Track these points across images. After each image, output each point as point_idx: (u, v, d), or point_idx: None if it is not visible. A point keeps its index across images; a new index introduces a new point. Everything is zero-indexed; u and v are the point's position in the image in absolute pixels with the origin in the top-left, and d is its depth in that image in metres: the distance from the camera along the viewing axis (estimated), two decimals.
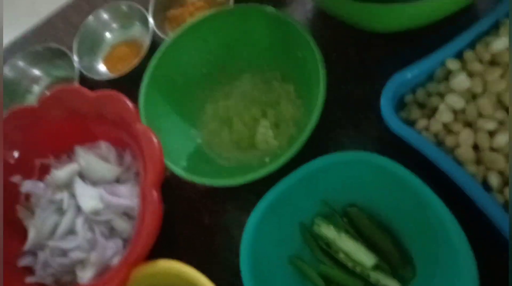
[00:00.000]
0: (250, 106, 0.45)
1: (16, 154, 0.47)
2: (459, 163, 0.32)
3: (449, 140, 0.33)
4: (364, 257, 0.37)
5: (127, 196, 0.43)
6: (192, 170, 0.41)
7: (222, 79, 0.49)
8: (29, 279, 0.43)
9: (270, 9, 0.44)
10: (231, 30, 0.47)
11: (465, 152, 0.32)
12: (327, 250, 0.39)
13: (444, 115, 0.33)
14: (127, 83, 0.53)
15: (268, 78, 0.48)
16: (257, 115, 0.45)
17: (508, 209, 0.30)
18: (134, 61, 0.53)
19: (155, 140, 0.39)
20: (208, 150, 0.46)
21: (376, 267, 0.37)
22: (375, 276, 0.37)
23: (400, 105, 0.38)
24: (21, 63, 0.58)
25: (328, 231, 0.39)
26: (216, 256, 0.43)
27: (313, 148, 0.39)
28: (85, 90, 0.44)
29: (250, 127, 0.45)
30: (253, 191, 0.44)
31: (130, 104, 0.41)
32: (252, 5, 0.46)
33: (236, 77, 0.49)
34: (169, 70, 0.46)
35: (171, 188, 0.47)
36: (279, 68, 0.47)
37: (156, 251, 0.37)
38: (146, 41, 0.54)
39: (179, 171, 0.41)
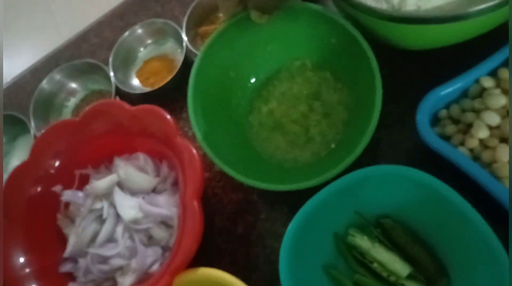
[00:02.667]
0: (295, 104, 0.46)
1: (57, 164, 0.49)
2: (496, 178, 0.33)
3: (486, 156, 0.34)
4: (398, 266, 0.38)
5: (164, 205, 0.44)
6: (254, 174, 0.41)
7: (256, 85, 0.49)
8: (71, 285, 0.44)
9: (307, 5, 0.44)
10: (256, 32, 0.46)
11: (502, 167, 0.33)
12: (362, 260, 0.40)
13: (480, 132, 0.34)
14: (161, 97, 0.55)
15: (299, 70, 0.48)
16: (305, 111, 0.45)
17: None
18: (167, 76, 0.55)
19: (195, 153, 0.40)
20: (265, 155, 0.46)
21: (410, 277, 0.38)
22: (410, 285, 0.38)
23: (434, 120, 0.39)
24: (58, 77, 0.60)
25: (362, 242, 0.40)
26: (252, 265, 0.44)
27: None
28: (125, 104, 0.46)
29: (302, 124, 0.45)
30: (286, 202, 0.46)
31: (169, 118, 0.43)
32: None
33: (269, 78, 0.49)
34: (206, 81, 0.46)
35: (207, 199, 0.49)
36: (308, 56, 0.48)
37: (194, 258, 0.39)
38: (179, 56, 0.56)
39: (243, 178, 0.40)
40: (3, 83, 0.65)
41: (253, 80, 0.50)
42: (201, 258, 0.40)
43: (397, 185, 0.37)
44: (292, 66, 0.49)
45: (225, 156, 0.42)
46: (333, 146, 0.44)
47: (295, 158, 0.45)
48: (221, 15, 0.59)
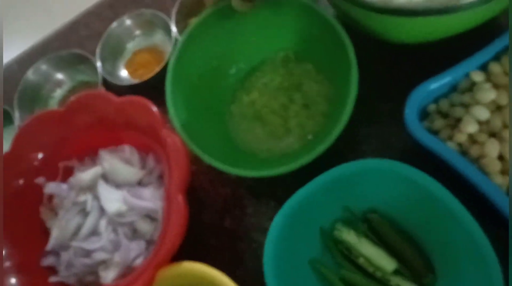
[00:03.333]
0: (276, 96, 0.46)
1: (40, 156, 0.48)
2: (485, 173, 0.33)
3: (474, 151, 0.34)
4: (384, 261, 0.38)
5: (149, 198, 0.43)
6: (229, 162, 0.40)
7: (239, 75, 0.49)
8: (52, 279, 0.44)
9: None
10: (240, 19, 0.45)
11: (491, 163, 0.33)
12: (348, 255, 0.39)
13: (469, 126, 0.34)
14: (149, 89, 0.54)
15: (283, 61, 0.48)
16: (285, 102, 0.45)
17: None
18: (156, 68, 0.54)
19: (181, 146, 0.40)
20: (244, 145, 0.46)
21: (396, 272, 0.37)
22: (395, 281, 0.37)
23: (423, 115, 0.39)
24: (44, 67, 0.59)
25: (348, 236, 0.39)
26: (238, 259, 0.44)
27: (335, 157, 0.39)
28: (111, 95, 0.45)
29: (281, 115, 0.45)
30: (273, 196, 0.45)
31: (155, 109, 0.42)
32: None
33: (253, 69, 0.49)
34: (187, 70, 0.45)
35: (194, 192, 0.48)
36: (291, 48, 0.47)
37: (180, 253, 0.38)
38: (168, 48, 0.55)
39: (217, 163, 0.40)
40: None
41: (236, 70, 0.49)
42: (187, 253, 0.39)
43: (384, 180, 0.37)
44: (275, 58, 0.48)
45: (203, 143, 0.42)
46: (310, 137, 0.44)
47: (269, 148, 0.45)
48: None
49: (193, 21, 0.56)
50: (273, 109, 0.45)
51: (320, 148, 0.37)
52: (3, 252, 0.44)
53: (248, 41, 0.48)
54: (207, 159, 0.40)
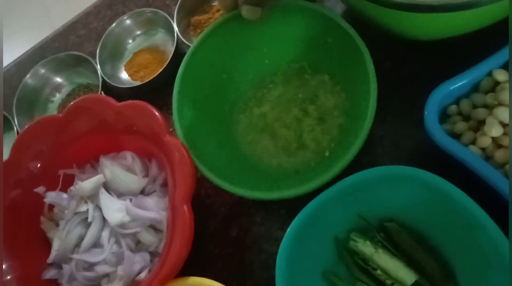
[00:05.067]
0: (289, 108, 0.43)
1: (39, 164, 0.46)
2: (510, 179, 0.31)
3: (499, 156, 0.32)
4: (403, 274, 0.36)
5: (153, 208, 0.42)
6: (232, 177, 0.38)
7: (250, 85, 0.47)
8: None
9: (301, 3, 0.42)
10: (251, 30, 0.43)
11: None
12: (364, 266, 0.37)
13: (493, 130, 0.32)
14: (151, 90, 0.52)
15: (297, 72, 0.45)
16: (299, 115, 0.43)
17: None
18: (158, 69, 0.52)
19: (185, 154, 0.38)
20: (251, 157, 0.44)
21: (416, 284, 0.35)
22: None
23: (442, 117, 0.36)
24: (43, 71, 0.58)
25: (365, 247, 0.37)
26: (247, 270, 0.42)
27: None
28: (111, 100, 0.43)
29: (295, 129, 0.43)
30: (283, 204, 0.43)
31: (158, 114, 0.40)
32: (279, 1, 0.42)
33: (265, 81, 0.46)
34: (196, 75, 0.44)
35: (199, 200, 0.46)
36: (306, 59, 0.45)
37: (185, 265, 0.36)
38: (170, 48, 0.53)
39: (219, 181, 0.38)
40: None
41: (247, 81, 0.47)
42: (192, 264, 0.37)
43: (401, 187, 0.35)
44: (289, 69, 0.46)
45: (208, 158, 0.40)
46: (327, 153, 0.41)
47: (280, 163, 0.43)
48: (215, 4, 0.56)
49: (202, 22, 0.54)
50: (286, 123, 0.43)
51: (338, 166, 0.34)
52: (4, 265, 0.42)
53: (260, 53, 0.45)
54: (217, 181, 0.38)
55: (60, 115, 0.45)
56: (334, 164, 0.35)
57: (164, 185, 0.44)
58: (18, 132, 0.54)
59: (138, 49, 0.57)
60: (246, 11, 0.38)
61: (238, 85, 0.46)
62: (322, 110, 0.43)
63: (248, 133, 0.45)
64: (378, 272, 0.37)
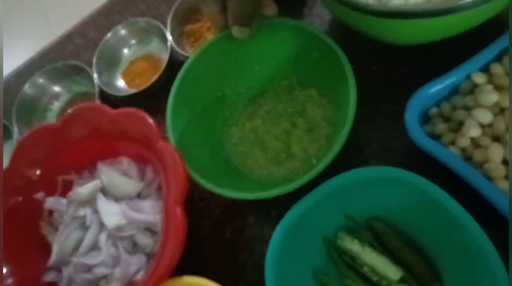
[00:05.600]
0: (279, 122, 0.45)
1: (38, 171, 0.47)
2: (488, 178, 0.32)
3: (478, 155, 0.33)
4: (389, 270, 0.37)
5: (149, 211, 0.43)
6: (223, 184, 0.40)
7: (242, 102, 0.48)
8: None
9: (286, 21, 0.43)
10: (244, 48, 0.45)
11: (495, 167, 0.32)
12: (352, 264, 0.39)
13: (472, 130, 0.33)
14: (147, 98, 0.54)
15: (287, 88, 0.47)
16: (288, 128, 0.44)
17: None
18: (153, 77, 0.54)
19: (178, 159, 0.39)
20: (242, 168, 0.45)
21: (402, 281, 0.36)
22: None
23: (425, 119, 0.38)
24: (41, 80, 0.59)
25: (352, 245, 0.38)
26: (240, 271, 0.43)
27: (337, 163, 0.38)
28: (106, 108, 0.44)
29: (284, 140, 0.44)
30: (275, 205, 0.45)
31: (151, 121, 0.42)
32: (266, 20, 0.43)
33: (256, 97, 0.48)
34: (190, 92, 0.45)
35: (193, 202, 0.47)
36: (294, 75, 0.47)
37: (179, 266, 0.37)
38: (164, 56, 0.54)
39: (209, 185, 0.39)
40: None
41: (238, 98, 0.48)
42: (187, 265, 0.38)
43: (387, 187, 0.36)
44: (279, 86, 0.47)
45: (200, 165, 0.41)
46: (314, 161, 0.43)
47: (270, 173, 0.44)
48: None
49: (195, 30, 0.56)
50: (276, 135, 0.44)
51: (321, 165, 0.36)
52: (4, 269, 0.43)
53: (252, 71, 0.47)
54: (206, 185, 0.39)
55: (58, 123, 0.46)
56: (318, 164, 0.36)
57: (160, 188, 0.45)
58: (17, 141, 0.55)
59: (134, 58, 0.59)
60: (235, 31, 0.41)
61: (231, 102, 0.48)
62: (310, 122, 0.44)
63: (239, 145, 0.46)
64: (365, 269, 0.38)
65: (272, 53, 0.46)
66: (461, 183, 0.33)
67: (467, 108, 0.35)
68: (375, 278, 0.37)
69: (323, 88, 0.45)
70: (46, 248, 0.46)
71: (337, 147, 0.36)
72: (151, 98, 0.54)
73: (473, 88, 0.35)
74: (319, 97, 0.45)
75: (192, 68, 0.44)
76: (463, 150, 0.34)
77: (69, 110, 0.45)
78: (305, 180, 0.36)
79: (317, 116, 0.44)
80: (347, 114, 0.36)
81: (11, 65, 0.68)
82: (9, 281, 0.43)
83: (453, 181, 0.33)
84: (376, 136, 0.44)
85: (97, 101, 0.54)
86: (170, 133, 0.42)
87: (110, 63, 0.58)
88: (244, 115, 0.48)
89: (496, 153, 0.32)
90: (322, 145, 0.43)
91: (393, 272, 0.36)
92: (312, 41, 0.42)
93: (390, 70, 0.46)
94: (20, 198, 0.46)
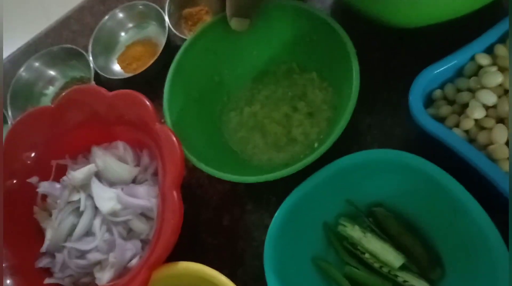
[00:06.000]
0: (279, 106, 0.44)
1: (33, 154, 0.46)
2: (493, 160, 0.31)
3: (482, 137, 0.32)
4: (391, 257, 0.36)
5: (144, 196, 0.42)
6: (223, 167, 0.39)
7: (241, 87, 0.47)
8: (47, 280, 0.42)
9: (286, 2, 0.42)
10: (240, 33, 0.42)
11: (499, 149, 0.31)
12: (353, 251, 0.38)
13: (476, 112, 0.32)
14: (143, 83, 0.53)
15: (286, 73, 0.46)
16: (288, 112, 0.43)
17: None
18: (150, 61, 0.53)
19: (175, 140, 0.38)
20: (242, 154, 0.44)
21: (403, 268, 0.36)
22: (402, 276, 0.36)
23: (428, 102, 0.37)
24: (36, 64, 0.58)
25: (353, 232, 0.38)
26: (238, 258, 0.42)
27: (338, 149, 0.37)
28: (102, 90, 0.43)
29: (285, 124, 0.43)
30: (274, 192, 0.44)
31: (148, 103, 0.41)
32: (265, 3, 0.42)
33: (255, 82, 0.47)
34: (187, 76, 0.44)
35: (191, 189, 0.46)
36: (294, 59, 0.46)
37: (177, 254, 0.36)
38: (162, 40, 0.53)
39: (208, 168, 0.38)
40: None
41: (237, 82, 0.47)
42: (185, 253, 0.38)
43: (388, 171, 0.35)
44: (278, 70, 0.46)
45: (197, 148, 0.40)
46: (316, 145, 0.42)
47: (270, 158, 0.43)
48: None
49: (194, 14, 0.55)
50: (276, 119, 0.44)
51: (321, 149, 0.35)
52: None
53: (250, 55, 0.46)
54: (204, 168, 0.38)
55: (52, 106, 0.45)
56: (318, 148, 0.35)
57: (155, 174, 0.44)
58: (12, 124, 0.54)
59: (130, 42, 0.58)
60: (235, 23, 0.38)
61: (229, 87, 0.47)
62: (311, 105, 0.43)
63: (238, 131, 0.45)
64: (367, 255, 0.37)
65: (271, 36, 0.44)
66: (465, 168, 0.32)
67: (471, 91, 0.34)
68: (376, 265, 0.37)
69: (324, 71, 0.44)
70: (39, 233, 0.45)
71: (338, 130, 0.35)
72: (148, 83, 0.53)
73: (477, 70, 0.35)
74: (319, 80, 0.44)
75: (189, 52, 0.43)
76: (467, 132, 0.33)
77: (64, 93, 0.44)
78: (305, 163, 0.35)
79: (318, 100, 0.43)
80: (350, 95, 0.35)
81: (6, 50, 0.67)
82: (3, 265, 0.42)
83: (456, 166, 0.32)
84: (377, 122, 0.44)
85: (93, 84, 0.52)
86: (167, 117, 0.41)
87: (107, 47, 0.57)
88: (243, 100, 0.47)
89: (500, 134, 0.31)
90: (323, 128, 0.42)
91: (395, 258, 0.36)
92: (312, 23, 0.41)
93: (390, 57, 0.46)
94: (14, 182, 0.45)
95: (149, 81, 0.53)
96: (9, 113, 0.55)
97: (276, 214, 0.36)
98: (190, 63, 0.43)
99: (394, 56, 0.45)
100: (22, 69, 0.57)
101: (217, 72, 0.46)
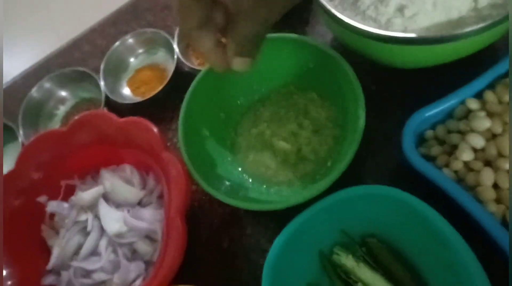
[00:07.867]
0: (284, 124, 0.46)
1: (42, 174, 0.48)
2: (479, 201, 0.33)
3: (470, 179, 0.34)
4: None
5: (149, 219, 0.44)
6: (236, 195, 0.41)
7: (244, 109, 0.50)
8: None
9: (294, 36, 0.44)
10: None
11: (486, 191, 0.33)
12: (346, 279, 0.40)
13: (464, 154, 0.34)
14: (151, 107, 0.55)
15: (286, 95, 0.48)
16: (294, 129, 0.45)
17: None
18: (157, 85, 0.55)
19: (181, 169, 0.40)
20: (255, 180, 0.46)
21: None
22: None
23: (421, 140, 0.39)
24: (48, 85, 0.60)
25: (347, 260, 0.39)
26: (237, 280, 0.44)
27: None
28: (112, 116, 0.45)
29: (293, 142, 0.45)
30: (274, 218, 0.46)
31: (156, 131, 0.43)
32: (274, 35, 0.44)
33: (257, 103, 0.49)
34: (195, 119, 0.45)
35: (193, 211, 0.48)
36: (293, 82, 0.48)
37: (179, 274, 0.38)
38: (170, 66, 0.56)
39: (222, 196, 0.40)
40: None
41: (241, 105, 0.50)
42: (184, 272, 0.39)
43: (381, 205, 0.37)
44: (279, 94, 0.49)
45: (210, 175, 0.42)
46: (329, 164, 0.43)
47: (285, 180, 0.45)
48: None
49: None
50: (283, 136, 0.45)
51: (330, 178, 0.37)
52: (4, 271, 0.44)
53: (251, 89, 0.49)
54: (226, 200, 0.40)
55: (64, 129, 0.47)
56: (330, 172, 0.37)
57: (160, 197, 0.46)
58: (22, 143, 0.56)
59: (140, 67, 0.60)
60: (237, 63, 0.34)
61: (234, 121, 0.49)
62: (316, 123, 0.45)
63: (248, 155, 0.47)
64: (359, 284, 0.39)
65: (271, 64, 0.47)
66: (452, 205, 0.34)
67: (461, 132, 0.36)
68: None
69: (324, 92, 0.46)
70: (46, 251, 0.47)
71: (353, 149, 0.37)
72: (155, 107, 0.55)
73: (467, 114, 0.37)
74: (320, 99, 0.46)
75: (196, 93, 0.45)
76: (456, 172, 0.35)
77: (76, 117, 0.46)
78: (316, 191, 0.37)
79: (322, 118, 0.45)
80: (357, 113, 0.38)
81: (18, 68, 0.69)
82: (9, 282, 0.44)
83: (445, 202, 0.34)
84: (370, 155, 0.45)
85: (104, 109, 0.55)
86: (183, 152, 0.42)
87: (117, 70, 0.59)
88: (248, 123, 0.49)
89: (487, 177, 0.33)
90: (331, 146, 0.44)
91: None
92: (309, 53, 0.44)
93: (386, 91, 0.48)
94: (23, 200, 0.47)
95: (157, 105, 0.55)
96: (20, 131, 0.57)
97: (275, 241, 0.38)
98: (198, 104, 0.45)
99: (388, 88, 0.48)
100: (34, 89, 0.59)
101: (222, 109, 0.49)
